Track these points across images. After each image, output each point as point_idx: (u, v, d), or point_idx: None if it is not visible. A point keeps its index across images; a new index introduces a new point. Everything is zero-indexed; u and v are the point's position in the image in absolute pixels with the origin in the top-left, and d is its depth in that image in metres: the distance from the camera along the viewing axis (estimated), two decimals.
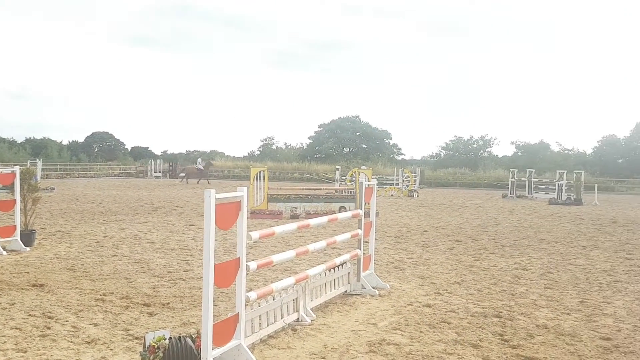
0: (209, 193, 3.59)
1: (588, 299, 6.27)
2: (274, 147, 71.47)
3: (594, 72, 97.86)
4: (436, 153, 67.94)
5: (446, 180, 49.92)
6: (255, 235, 4.18)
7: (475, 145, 64.61)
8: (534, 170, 32.23)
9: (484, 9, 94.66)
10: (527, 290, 6.72)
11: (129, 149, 74.53)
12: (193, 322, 4.96)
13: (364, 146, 67.18)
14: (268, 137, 72.29)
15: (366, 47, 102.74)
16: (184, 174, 38.37)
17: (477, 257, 9.14)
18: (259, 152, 69.66)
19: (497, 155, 64.89)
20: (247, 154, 70.08)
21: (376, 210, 7.14)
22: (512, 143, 64.41)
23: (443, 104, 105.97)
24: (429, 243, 10.79)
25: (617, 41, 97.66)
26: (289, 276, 5.23)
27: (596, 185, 29.04)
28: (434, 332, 4.88)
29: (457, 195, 31.36)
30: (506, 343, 4.59)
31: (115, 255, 8.51)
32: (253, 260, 4.46)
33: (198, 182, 38.81)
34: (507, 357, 4.22)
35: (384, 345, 4.46)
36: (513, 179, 30.22)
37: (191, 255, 8.63)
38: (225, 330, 3.93)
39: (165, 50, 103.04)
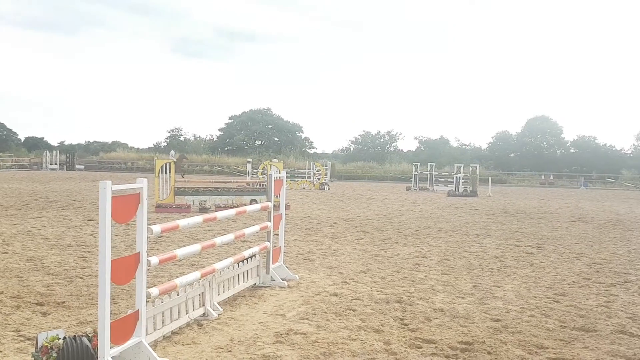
0: (104, 184, 3.40)
1: (480, 284, 6.74)
2: (182, 138, 69.22)
3: (489, 72, 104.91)
4: (346, 147, 69.51)
5: (355, 174, 51.24)
6: (156, 229, 4.03)
7: (382, 140, 66.87)
8: (434, 164, 34.00)
9: (385, 7, 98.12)
10: (426, 276, 7.09)
11: (22, 139, 68.82)
12: (90, 321, 4.71)
13: (275, 139, 67.09)
14: (175, 128, 69.87)
15: (278, 39, 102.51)
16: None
17: (382, 247, 9.49)
18: (165, 144, 67.11)
19: (402, 150, 67.70)
20: (152, 145, 67.30)
21: (287, 202, 7.17)
22: (416, 138, 67.48)
23: (353, 99, 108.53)
24: (338, 234, 11.03)
25: (508, 42, 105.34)
26: (196, 271, 5.11)
27: (490, 178, 31.28)
28: (339, 319, 5.01)
29: (366, 188, 32.31)
30: (406, 327, 4.82)
31: (5, 253, 7.84)
32: (156, 255, 4.30)
33: (183, 175, 38.07)
34: (406, 341, 4.43)
35: (291, 335, 4.51)
36: (416, 173, 31.70)
37: (89, 252, 8.16)
38: (124, 328, 3.77)
39: (66, 35, 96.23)
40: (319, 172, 31.91)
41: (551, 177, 49.80)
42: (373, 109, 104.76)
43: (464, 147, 66.33)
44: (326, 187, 29.37)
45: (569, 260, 8.57)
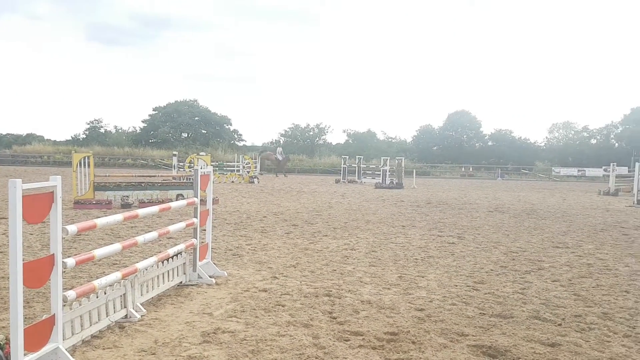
0: (13, 184, 3.16)
1: (406, 274, 6.94)
2: (102, 130, 66.00)
3: (413, 68, 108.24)
4: (276, 140, 69.22)
5: (285, 167, 51.15)
6: (72, 228, 3.80)
7: (311, 133, 67.22)
8: (362, 157, 34.66)
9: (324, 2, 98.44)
10: (354, 268, 7.21)
11: None
12: (3, 327, 4.38)
13: (203, 131, 65.58)
14: (95, 120, 66.57)
15: (204, 27, 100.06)
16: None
17: (312, 240, 9.54)
18: (84, 136, 63.77)
19: (331, 143, 68.46)
20: (70, 138, 63.76)
21: (216, 197, 7.01)
22: (344, 131, 68.52)
23: (283, 91, 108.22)
24: (268, 228, 10.96)
25: (430, 40, 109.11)
26: (116, 271, 4.88)
27: (414, 171, 32.36)
28: (269, 316, 4.97)
29: (296, 181, 32.38)
30: (334, 320, 4.87)
31: None
32: (72, 255, 4.06)
33: (277, 174, 36.38)
34: (334, 334, 4.47)
35: (219, 334, 4.42)
36: (345, 165, 32.17)
37: (1, 252, 7.59)
38: (39, 333, 3.54)
39: None
40: (249, 165, 31.59)
41: (471, 169, 52.34)
42: (302, 102, 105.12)
43: (390, 140, 68.15)
44: (256, 180, 29.13)
45: (487, 249, 9.03)
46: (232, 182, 29.09)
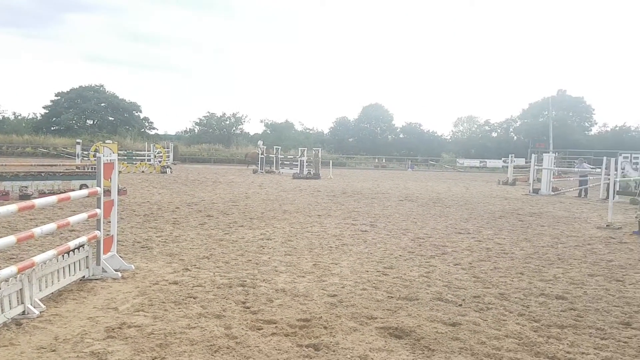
0: None
1: (320, 262, 7.05)
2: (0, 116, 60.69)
3: (329, 61, 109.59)
4: (190, 128, 67.34)
5: (200, 156, 50.02)
6: None
7: (228, 122, 66.06)
8: (280, 147, 34.64)
9: None
10: (269, 258, 7.21)
11: None
12: None
13: (110, 119, 62.26)
14: None
15: (109, 10, 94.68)
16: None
17: (227, 231, 9.41)
18: None
19: (248, 133, 67.69)
20: None
21: (123, 187, 6.69)
22: (262, 121, 68.04)
23: (197, 79, 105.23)
24: (181, 220, 10.66)
25: (346, 36, 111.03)
26: (12, 265, 4.52)
27: (331, 161, 32.84)
28: (179, 308, 4.85)
29: (211, 171, 31.73)
30: (248, 310, 4.85)
31: None
32: None
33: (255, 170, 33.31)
34: (247, 324, 4.45)
35: (125, 329, 4.25)
36: (262, 155, 31.97)
37: None
38: None
39: None
40: (160, 154, 30.48)
41: (384, 160, 54.11)
42: (219, 90, 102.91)
43: (308, 131, 68.64)
44: (168, 170, 28.19)
45: (397, 236, 9.40)
46: (143, 172, 27.93)
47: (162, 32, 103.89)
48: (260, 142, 37.39)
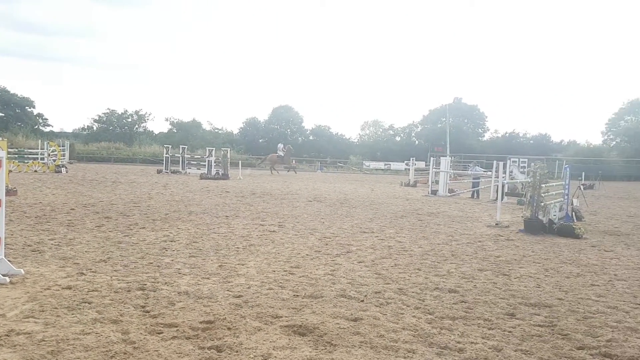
0: None
1: (226, 263, 6.97)
2: None
3: (239, 60, 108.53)
4: (88, 126, 63.54)
5: (99, 155, 47.41)
6: None
7: (130, 120, 63.13)
8: (187, 146, 33.72)
9: None
10: (172, 260, 7.00)
11: None
12: None
13: (0, 114, 57.18)
14: None
15: None
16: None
17: (127, 233, 9.00)
18: None
19: (152, 131, 65.12)
20: None
21: (13, 187, 6.17)
22: (167, 120, 65.79)
23: (98, 75, 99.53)
24: (76, 222, 10.04)
25: (255, 35, 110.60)
26: None
27: (240, 162, 32.50)
28: (72, 314, 4.57)
29: (111, 171, 30.17)
30: (147, 314, 4.68)
31: None
32: None
33: (289, 170, 33.14)
34: (146, 328, 4.30)
35: (12, 337, 3.94)
36: (167, 155, 30.94)
37: None
38: None
39: None
40: (55, 152, 28.46)
41: (294, 162, 54.42)
42: (120, 86, 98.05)
43: (216, 131, 67.36)
44: (64, 169, 26.41)
45: (304, 236, 9.52)
46: (35, 171, 25.93)
47: (57, 22, 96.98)
48: (280, 145, 35.72)
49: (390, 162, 54.14)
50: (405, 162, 44.82)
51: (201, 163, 30.64)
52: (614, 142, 62.17)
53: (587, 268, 7.65)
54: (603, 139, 64.99)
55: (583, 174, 24.20)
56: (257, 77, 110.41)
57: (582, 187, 18.54)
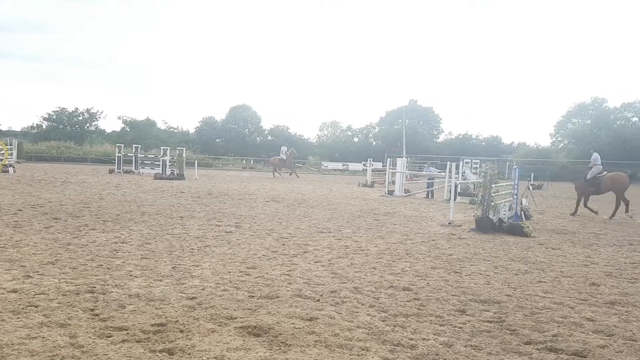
0: None
1: (180, 265, 6.84)
2: None
3: (196, 58, 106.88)
4: (37, 124, 61.13)
5: (49, 154, 45.73)
6: None
7: (81, 118, 61.16)
8: (140, 146, 32.93)
9: None
10: (124, 262, 6.82)
11: None
12: None
13: None
14: None
15: None
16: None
17: (76, 235, 8.71)
18: None
19: (104, 130, 63.31)
20: None
21: None
22: (120, 118, 63.99)
23: (47, 72, 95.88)
24: (23, 223, 9.63)
25: (213, 34, 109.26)
26: None
27: (196, 162, 31.98)
28: (18, 318, 4.39)
29: (61, 171, 29.12)
30: (96, 317, 4.55)
31: None
32: None
33: (290, 173, 32.32)
34: (95, 331, 4.18)
35: None
36: (120, 154, 30.13)
37: None
38: None
39: None
40: (2, 152, 27.22)
41: (252, 162, 54.10)
42: (70, 84, 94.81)
43: (172, 130, 66.09)
44: (11, 169, 25.30)
45: (261, 236, 9.47)
46: None
47: (3, 17, 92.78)
48: (284, 148, 34.08)
49: (348, 163, 54.53)
50: (363, 162, 45.21)
51: (155, 163, 29.98)
52: (562, 144, 64.83)
53: (534, 265, 7.94)
54: (551, 141, 67.68)
55: (532, 174, 25.12)
56: (214, 75, 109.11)
57: (531, 187, 19.25)
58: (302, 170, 52.11)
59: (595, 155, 16.84)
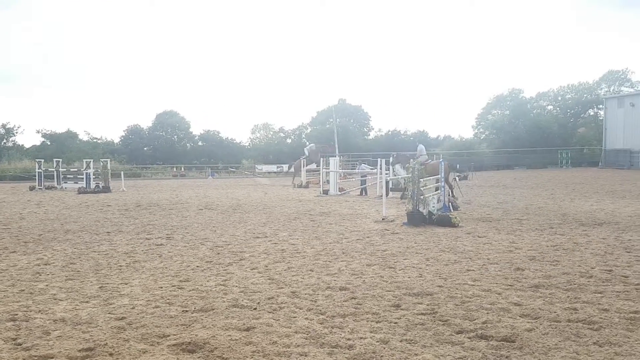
0: None
1: (108, 283, 6.54)
2: None
3: (115, 65, 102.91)
4: None
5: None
6: None
7: None
8: (61, 159, 31.26)
9: None
10: (47, 285, 6.44)
11: None
12: None
13: None
14: None
15: None
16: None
17: None
18: None
19: (23, 146, 59.61)
20: None
21: None
22: (39, 132, 60.39)
23: None
24: None
25: (134, 38, 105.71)
26: None
27: (122, 173, 30.78)
28: None
29: None
30: (19, 346, 4.26)
31: None
32: None
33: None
34: None
35: None
36: (40, 170, 28.47)
37: None
38: None
39: None
40: None
41: (182, 169, 52.74)
42: None
43: (95, 141, 63.18)
44: None
45: (195, 247, 9.25)
46: None
47: None
48: (312, 146, 30.70)
49: (282, 165, 54.42)
50: None
51: (79, 176, 28.56)
52: (484, 135, 67.87)
53: (463, 255, 8.26)
54: (474, 133, 70.71)
55: (457, 166, 26.13)
56: (138, 82, 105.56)
57: (457, 178, 20.03)
58: (235, 175, 51.48)
59: (421, 146, 19.65)
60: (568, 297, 5.68)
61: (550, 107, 69.40)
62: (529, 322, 4.84)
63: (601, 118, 57.60)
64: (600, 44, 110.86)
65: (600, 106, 59.98)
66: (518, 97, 67.19)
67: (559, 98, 68.70)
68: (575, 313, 5.07)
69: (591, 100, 65.07)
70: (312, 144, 33.50)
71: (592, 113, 66.55)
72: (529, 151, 53.65)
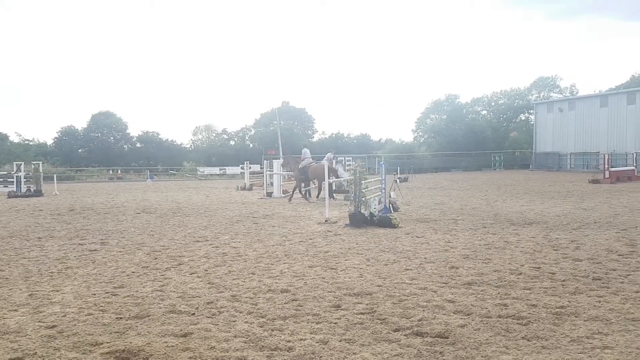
0: None
1: (38, 291, 6.24)
2: None
3: (47, 63, 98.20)
4: None
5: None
6: None
7: None
8: None
9: None
10: None
11: None
12: None
13: None
14: None
15: None
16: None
17: None
18: None
19: None
20: None
21: None
22: None
23: None
24: None
25: (71, 36, 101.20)
26: None
27: (55, 176, 29.40)
28: None
29: None
30: None
31: None
32: None
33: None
34: None
35: None
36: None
37: None
38: None
39: None
40: None
41: (119, 172, 50.95)
42: None
43: (27, 143, 59.98)
44: None
45: (131, 252, 8.96)
46: None
47: None
48: (329, 154, 27.44)
49: (225, 167, 53.68)
50: (241, 166, 44.87)
51: (9, 180, 27.02)
52: (423, 139, 69.86)
53: (402, 254, 8.47)
54: (414, 136, 72.65)
55: (398, 168, 26.76)
56: (71, 81, 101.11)
57: (397, 180, 20.49)
58: (176, 178, 50.30)
59: (305, 150, 20.91)
60: (499, 293, 5.95)
61: (484, 112, 72.32)
62: (461, 318, 5.03)
63: (532, 122, 60.61)
64: (532, 51, 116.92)
65: (531, 111, 63.13)
66: (454, 102, 69.60)
67: (493, 103, 71.76)
68: (506, 309, 5.31)
69: (522, 106, 68.36)
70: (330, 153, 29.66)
71: (523, 118, 69.92)
72: (464, 154, 55.68)
